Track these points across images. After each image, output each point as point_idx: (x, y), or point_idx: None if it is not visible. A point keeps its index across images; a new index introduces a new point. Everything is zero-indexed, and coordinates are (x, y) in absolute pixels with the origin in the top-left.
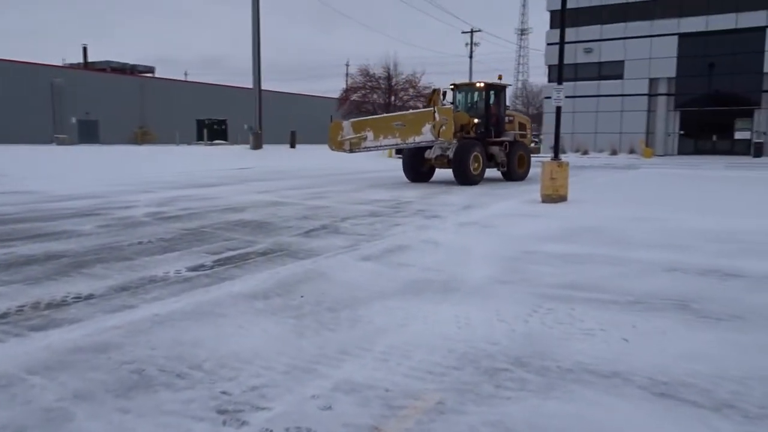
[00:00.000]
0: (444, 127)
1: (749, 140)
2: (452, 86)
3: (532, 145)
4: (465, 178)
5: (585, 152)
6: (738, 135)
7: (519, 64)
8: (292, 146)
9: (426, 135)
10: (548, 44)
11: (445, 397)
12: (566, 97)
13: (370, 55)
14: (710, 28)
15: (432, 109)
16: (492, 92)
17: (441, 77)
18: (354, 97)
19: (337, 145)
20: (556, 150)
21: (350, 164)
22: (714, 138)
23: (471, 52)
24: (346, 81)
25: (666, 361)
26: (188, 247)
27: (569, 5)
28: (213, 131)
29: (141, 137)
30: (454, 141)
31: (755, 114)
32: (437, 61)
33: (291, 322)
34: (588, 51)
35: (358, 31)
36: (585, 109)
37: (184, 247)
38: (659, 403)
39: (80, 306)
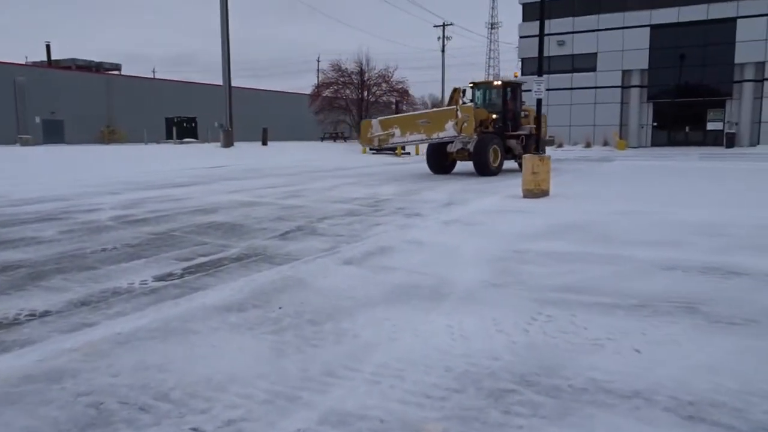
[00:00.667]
0: (466, 124)
1: (722, 131)
2: (471, 84)
3: (549, 137)
4: (485, 169)
5: (560, 145)
6: (710, 126)
7: (490, 58)
8: (264, 143)
9: (449, 131)
10: (521, 37)
11: (449, 427)
12: None
13: (341, 50)
14: (682, 20)
15: (455, 107)
16: (509, 89)
17: (414, 72)
18: (326, 92)
19: (368, 141)
20: (538, 143)
21: (325, 161)
22: (687, 129)
23: (443, 46)
24: (318, 77)
25: (686, 375)
26: (156, 254)
27: None
28: (182, 129)
29: (108, 136)
30: (475, 136)
31: (727, 104)
32: (410, 56)
33: (270, 339)
34: (561, 44)
35: (329, 26)
36: (559, 102)
37: (151, 254)
38: (692, 430)
39: (34, 325)
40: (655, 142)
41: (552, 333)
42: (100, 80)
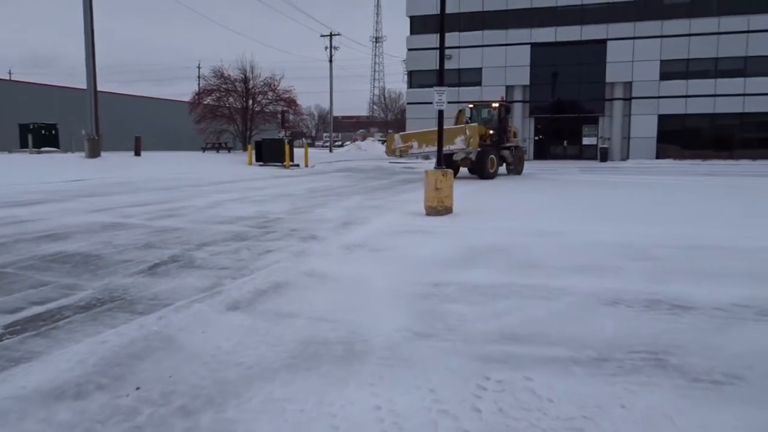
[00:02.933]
0: (472, 139)
1: (596, 145)
2: (471, 105)
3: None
4: (486, 174)
5: None
6: (585, 140)
7: (375, 71)
8: (137, 154)
9: (458, 144)
10: (410, 49)
11: None
12: (428, 103)
13: (224, 57)
14: (559, 39)
15: (464, 126)
16: (502, 109)
17: (301, 82)
18: (208, 100)
19: (391, 152)
20: (440, 158)
21: (207, 173)
22: (565, 143)
23: (331, 56)
24: (199, 84)
25: None
26: None
27: (428, 11)
28: (40, 137)
29: None
30: (477, 148)
31: (600, 120)
32: (297, 65)
33: None
34: (448, 57)
35: (210, 31)
36: (447, 116)
37: None
38: None
39: None
40: (537, 156)
41: (511, 412)
42: None
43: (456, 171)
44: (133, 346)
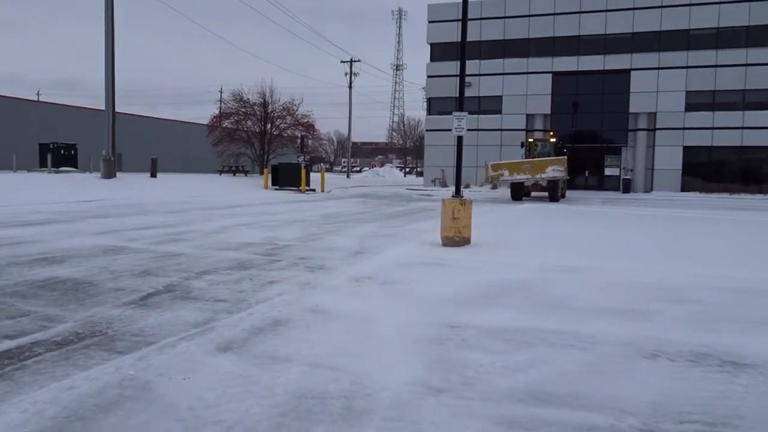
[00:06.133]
0: (565, 169)
1: (618, 176)
2: (531, 140)
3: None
4: (556, 197)
5: (467, 186)
6: (608, 171)
7: (395, 98)
8: (153, 175)
9: (549, 173)
10: (429, 77)
11: None
12: (446, 130)
13: (244, 82)
14: (581, 68)
15: (560, 158)
16: (560, 142)
17: (320, 107)
18: (226, 123)
19: (487, 180)
20: (458, 186)
21: (221, 196)
22: (587, 173)
23: (350, 82)
24: (220, 106)
25: None
26: None
27: (448, 39)
28: (60, 156)
29: None
30: (567, 176)
31: (623, 151)
32: (316, 90)
33: None
34: (468, 85)
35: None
36: (466, 143)
37: None
38: None
39: None
40: None
41: None
42: None
43: (526, 195)
44: (102, 395)
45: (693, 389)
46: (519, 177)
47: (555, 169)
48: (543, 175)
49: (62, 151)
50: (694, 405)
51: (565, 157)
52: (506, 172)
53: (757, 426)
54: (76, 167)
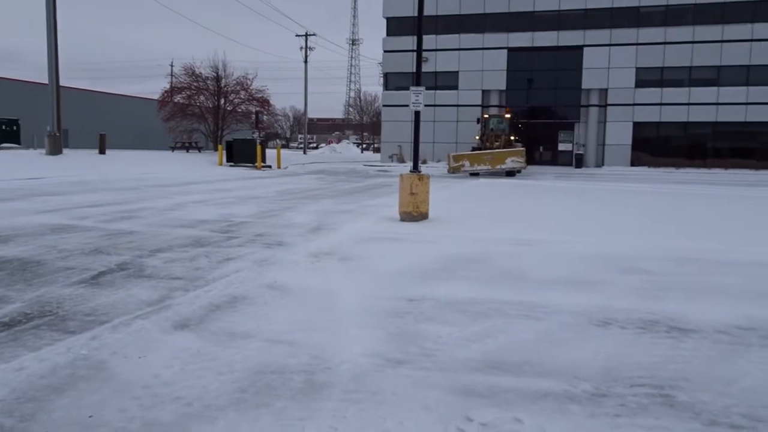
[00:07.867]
0: (523, 159)
1: (571, 152)
2: (486, 116)
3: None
4: (513, 174)
5: (424, 161)
6: (561, 146)
7: (351, 73)
8: (102, 152)
9: (509, 164)
10: (386, 51)
11: None
12: (403, 105)
13: (197, 55)
14: (536, 44)
15: (518, 150)
16: (514, 118)
17: (275, 83)
18: (178, 98)
19: (449, 171)
20: (416, 161)
21: (174, 173)
22: (540, 149)
23: (306, 56)
24: (172, 81)
25: None
26: None
27: (404, 13)
28: (1, 132)
29: None
30: (525, 166)
31: (575, 127)
32: (271, 65)
33: None
34: (425, 60)
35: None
36: (423, 119)
37: None
38: None
39: None
40: None
41: None
42: None
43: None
44: (54, 375)
45: (642, 354)
46: (479, 168)
47: (514, 160)
48: (503, 166)
49: (3, 127)
50: (644, 369)
51: (524, 148)
52: (467, 163)
53: (702, 387)
54: (19, 143)
